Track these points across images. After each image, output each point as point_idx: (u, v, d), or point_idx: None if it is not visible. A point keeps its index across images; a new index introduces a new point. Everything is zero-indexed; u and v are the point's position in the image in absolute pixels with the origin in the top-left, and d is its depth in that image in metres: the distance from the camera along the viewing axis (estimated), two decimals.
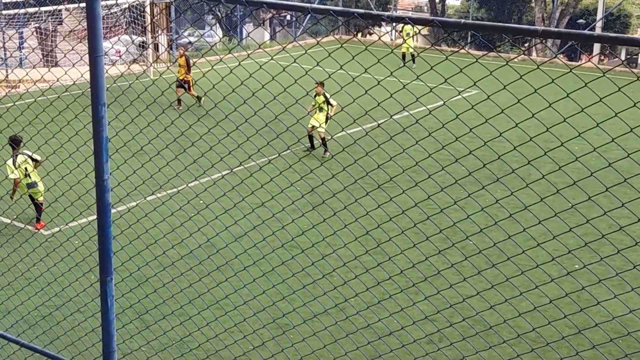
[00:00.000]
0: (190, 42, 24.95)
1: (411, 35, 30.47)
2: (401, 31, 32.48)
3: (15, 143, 13.55)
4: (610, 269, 11.09)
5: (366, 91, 4.26)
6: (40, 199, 13.86)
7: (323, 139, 18.72)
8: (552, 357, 9.47)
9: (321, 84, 18.10)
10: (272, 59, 3.79)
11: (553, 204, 13.15)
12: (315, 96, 18.45)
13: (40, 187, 13.86)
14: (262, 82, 4.75)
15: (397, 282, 6.52)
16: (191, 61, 23.41)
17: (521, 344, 9.43)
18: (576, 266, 11.26)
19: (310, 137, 18.88)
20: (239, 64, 4.33)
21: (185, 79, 23.13)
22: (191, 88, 23.13)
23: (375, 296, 7.71)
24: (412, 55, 30.49)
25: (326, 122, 18.55)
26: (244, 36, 44.23)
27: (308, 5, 3.33)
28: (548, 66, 29.21)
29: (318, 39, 4.81)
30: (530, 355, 8.98)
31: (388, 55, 3.98)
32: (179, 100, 23.46)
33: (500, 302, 4.60)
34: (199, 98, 23.04)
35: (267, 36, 51.28)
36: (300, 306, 6.59)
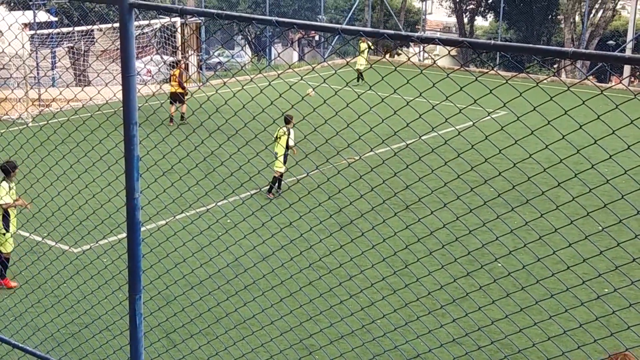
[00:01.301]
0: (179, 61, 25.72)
1: (364, 52, 29.46)
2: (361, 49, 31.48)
3: (4, 171, 12.01)
4: None
5: (395, 112, 4.27)
6: (6, 249, 12.34)
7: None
8: None
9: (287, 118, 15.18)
10: (302, 79, 3.82)
11: (583, 226, 13.02)
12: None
13: (7, 234, 12.19)
14: (291, 102, 4.79)
15: (424, 303, 6.48)
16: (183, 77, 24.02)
17: None
18: (606, 290, 11.12)
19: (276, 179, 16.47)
20: (269, 84, 4.37)
21: (178, 91, 23.41)
22: (184, 103, 23.44)
23: (402, 317, 7.66)
24: (360, 73, 29.25)
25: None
26: (273, 56, 44.52)
27: (338, 26, 3.35)
28: (578, 87, 29.02)
29: (347, 60, 4.87)
30: None
31: (417, 76, 3.99)
32: (171, 118, 23.90)
33: (529, 326, 4.55)
34: (182, 117, 23.49)
35: (295, 57, 51.56)
36: (326, 327, 6.57)
